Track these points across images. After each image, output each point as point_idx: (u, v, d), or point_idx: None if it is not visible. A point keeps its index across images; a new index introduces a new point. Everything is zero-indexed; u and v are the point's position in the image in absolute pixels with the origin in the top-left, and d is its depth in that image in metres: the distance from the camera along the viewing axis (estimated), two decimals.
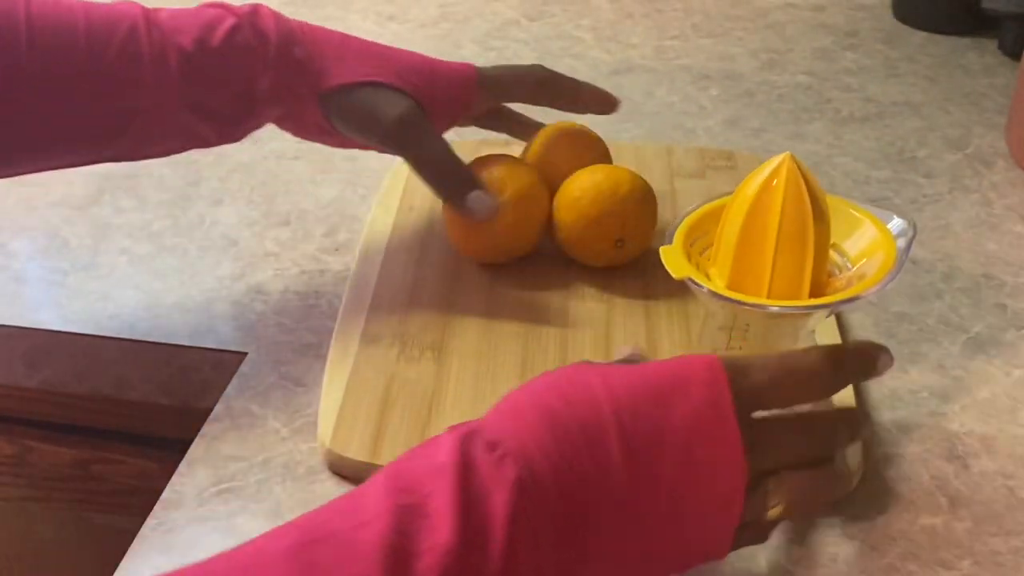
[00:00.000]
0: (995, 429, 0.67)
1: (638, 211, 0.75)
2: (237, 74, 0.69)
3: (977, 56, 1.12)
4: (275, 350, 0.73)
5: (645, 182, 0.76)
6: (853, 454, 0.63)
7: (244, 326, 0.76)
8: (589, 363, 0.49)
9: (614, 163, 0.81)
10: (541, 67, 0.80)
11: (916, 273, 0.80)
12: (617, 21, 1.22)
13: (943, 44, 1.15)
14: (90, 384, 0.75)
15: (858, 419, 0.55)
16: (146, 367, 0.75)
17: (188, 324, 0.77)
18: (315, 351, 0.72)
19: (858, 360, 0.53)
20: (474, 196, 0.72)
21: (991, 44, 1.14)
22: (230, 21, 0.68)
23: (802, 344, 0.61)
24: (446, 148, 0.72)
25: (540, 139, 0.82)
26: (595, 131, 0.83)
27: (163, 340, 0.76)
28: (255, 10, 0.70)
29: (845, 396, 0.67)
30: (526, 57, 1.14)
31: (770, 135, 0.99)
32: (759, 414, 0.49)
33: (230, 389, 0.70)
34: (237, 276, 0.81)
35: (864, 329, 0.74)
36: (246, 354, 0.73)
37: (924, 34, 1.17)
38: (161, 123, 0.68)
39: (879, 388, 0.69)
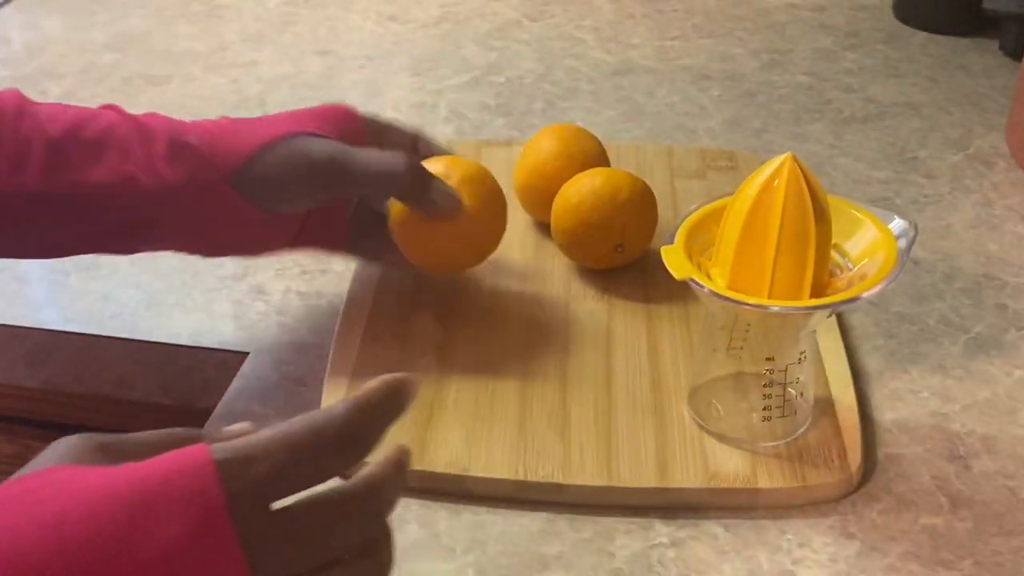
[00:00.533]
0: (996, 429, 0.67)
1: (638, 216, 0.75)
2: (113, 167, 0.62)
3: (978, 57, 1.12)
4: (276, 350, 0.73)
5: (645, 185, 0.76)
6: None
7: (246, 326, 0.76)
8: (36, 478, 0.37)
9: (617, 165, 0.81)
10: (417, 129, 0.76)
11: (917, 273, 0.80)
12: (618, 21, 1.22)
13: (944, 44, 1.15)
14: (91, 384, 0.75)
15: (403, 461, 0.43)
16: (147, 367, 0.75)
17: (189, 324, 0.77)
18: (316, 351, 0.72)
19: (384, 400, 0.42)
20: (435, 188, 0.67)
21: (992, 45, 1.14)
22: (111, 116, 0.64)
23: (803, 344, 0.61)
24: (387, 152, 0.66)
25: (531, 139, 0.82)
26: (595, 132, 0.82)
27: (164, 340, 0.76)
28: (144, 115, 0.66)
29: (846, 399, 0.67)
30: (527, 57, 1.14)
31: (771, 135, 0.99)
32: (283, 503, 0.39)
33: (231, 389, 0.70)
34: (239, 276, 0.81)
35: (865, 329, 0.74)
36: (247, 354, 0.73)
37: (925, 34, 1.17)
38: (14, 210, 0.62)
39: (880, 388, 0.70)
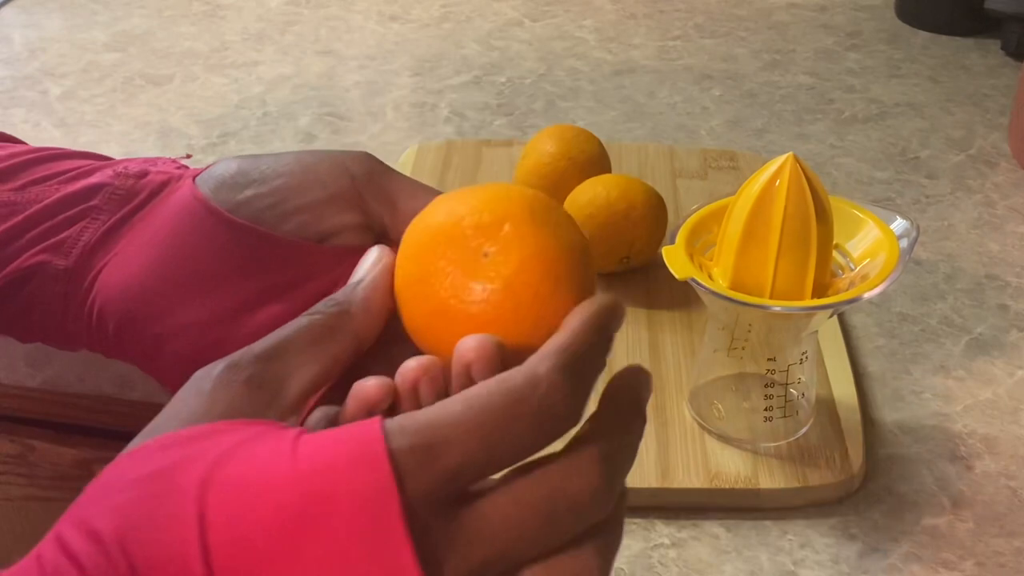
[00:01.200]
0: (998, 430, 0.66)
1: (649, 231, 0.74)
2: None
3: (980, 57, 1.12)
4: None
5: (658, 197, 0.75)
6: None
7: None
8: (200, 444, 0.31)
9: (618, 165, 0.81)
10: None
11: (918, 274, 0.80)
12: (619, 21, 1.22)
13: (946, 45, 1.15)
14: (92, 384, 0.75)
15: (636, 422, 0.34)
16: None
17: None
18: None
19: (594, 344, 0.33)
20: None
21: (994, 45, 1.14)
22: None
23: (804, 345, 0.61)
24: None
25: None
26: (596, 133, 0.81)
27: None
28: None
29: (848, 400, 0.67)
30: (529, 57, 1.14)
31: (773, 136, 0.99)
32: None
33: None
34: None
35: (867, 329, 0.74)
36: None
37: (927, 35, 1.17)
38: None
39: (881, 389, 0.69)
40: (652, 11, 1.24)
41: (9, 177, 0.47)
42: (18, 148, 0.49)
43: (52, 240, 0.45)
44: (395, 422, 0.30)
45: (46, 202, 0.46)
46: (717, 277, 0.60)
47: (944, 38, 1.16)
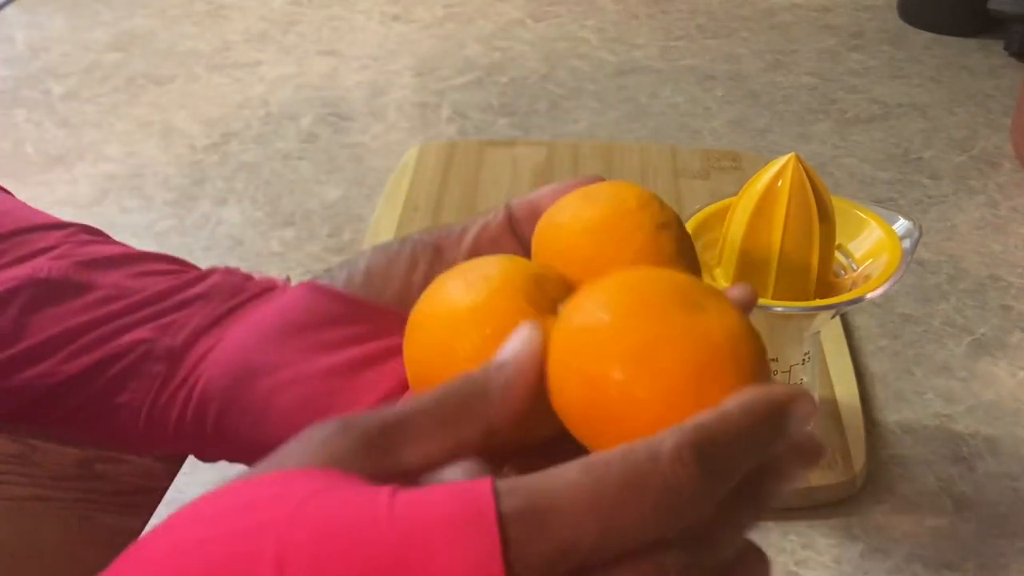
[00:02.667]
0: (1000, 431, 0.66)
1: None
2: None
3: (983, 57, 1.12)
4: None
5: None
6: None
7: None
8: (290, 483, 0.30)
9: (620, 165, 0.81)
10: None
11: (921, 274, 0.80)
12: (622, 22, 1.22)
13: (949, 45, 1.15)
14: None
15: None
16: None
17: None
18: None
19: (752, 431, 0.29)
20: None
21: (997, 45, 1.13)
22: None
23: (807, 345, 0.61)
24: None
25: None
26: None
27: None
28: None
29: (850, 400, 0.66)
30: (531, 57, 1.14)
31: (775, 136, 0.99)
32: None
33: None
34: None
35: (869, 330, 0.74)
36: None
37: (930, 35, 1.17)
38: None
39: (884, 389, 0.69)
40: (655, 11, 1.24)
41: (120, 266, 0.47)
42: (121, 247, 0.49)
43: (161, 321, 0.45)
44: (507, 483, 0.28)
45: (157, 288, 0.46)
46: (719, 278, 0.60)
47: (947, 38, 1.16)
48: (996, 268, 0.81)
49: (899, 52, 1.14)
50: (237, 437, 0.43)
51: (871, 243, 0.60)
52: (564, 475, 0.28)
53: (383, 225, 0.83)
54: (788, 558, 0.58)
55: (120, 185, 0.93)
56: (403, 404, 0.32)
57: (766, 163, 0.59)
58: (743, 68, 1.11)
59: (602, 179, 0.44)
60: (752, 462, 0.30)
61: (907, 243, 0.59)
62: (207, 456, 0.46)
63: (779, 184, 0.57)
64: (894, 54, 1.14)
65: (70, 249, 0.47)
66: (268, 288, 0.47)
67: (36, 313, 0.45)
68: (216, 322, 0.45)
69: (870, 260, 0.60)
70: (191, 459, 0.66)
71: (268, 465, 0.31)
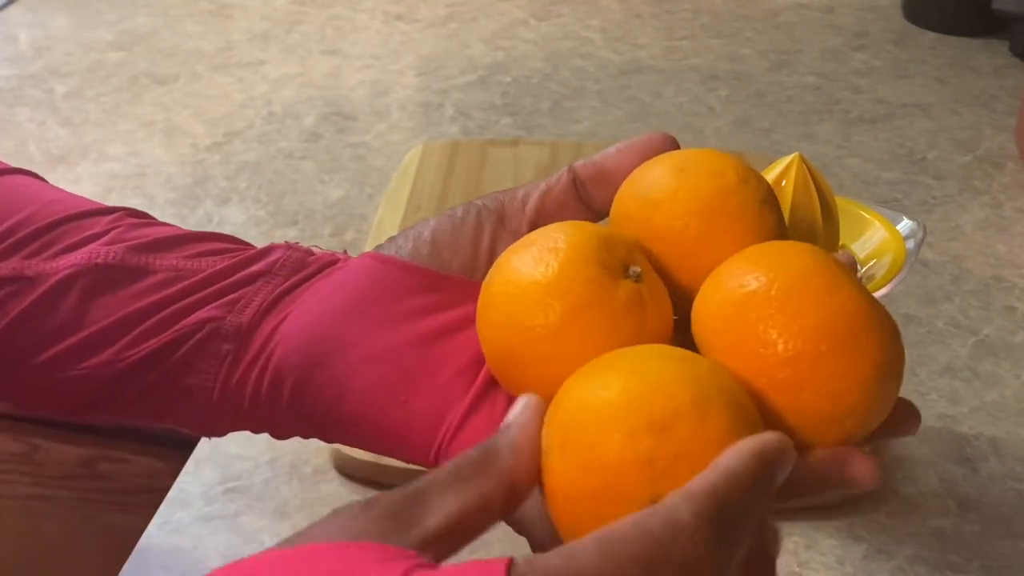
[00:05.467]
0: (1004, 432, 0.66)
1: None
2: None
3: (987, 57, 1.12)
4: None
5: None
6: None
7: None
8: (309, 558, 0.30)
9: None
10: None
11: (925, 275, 0.80)
12: (626, 21, 1.22)
13: (953, 45, 1.15)
14: None
15: None
16: None
17: None
18: None
19: (757, 483, 0.30)
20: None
21: (1002, 45, 1.13)
22: None
23: None
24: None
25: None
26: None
27: None
28: None
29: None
30: (534, 57, 1.14)
31: (779, 136, 0.99)
32: None
33: None
34: None
35: None
36: None
37: (934, 35, 1.17)
38: None
39: None
40: (658, 11, 1.24)
41: (175, 247, 0.46)
42: (172, 227, 0.48)
43: (225, 299, 0.44)
44: (524, 564, 0.29)
45: (217, 268, 0.44)
46: None
47: (951, 39, 1.16)
48: (1000, 269, 0.80)
49: (903, 52, 1.14)
50: (314, 413, 0.42)
51: (875, 243, 0.60)
52: (581, 555, 0.28)
53: (385, 225, 0.83)
54: (791, 559, 0.58)
55: (123, 184, 0.93)
56: (423, 476, 0.33)
57: (770, 163, 0.59)
58: (747, 68, 1.11)
59: (670, 137, 0.43)
60: (756, 521, 0.30)
61: (911, 243, 0.59)
62: (282, 433, 0.45)
63: (783, 184, 0.57)
64: (898, 54, 1.14)
65: (122, 233, 0.46)
66: (331, 262, 0.45)
67: (95, 300, 0.44)
68: (282, 298, 0.44)
69: (874, 260, 0.60)
70: (193, 458, 0.66)
71: (296, 539, 0.31)
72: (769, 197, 0.40)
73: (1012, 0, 1.09)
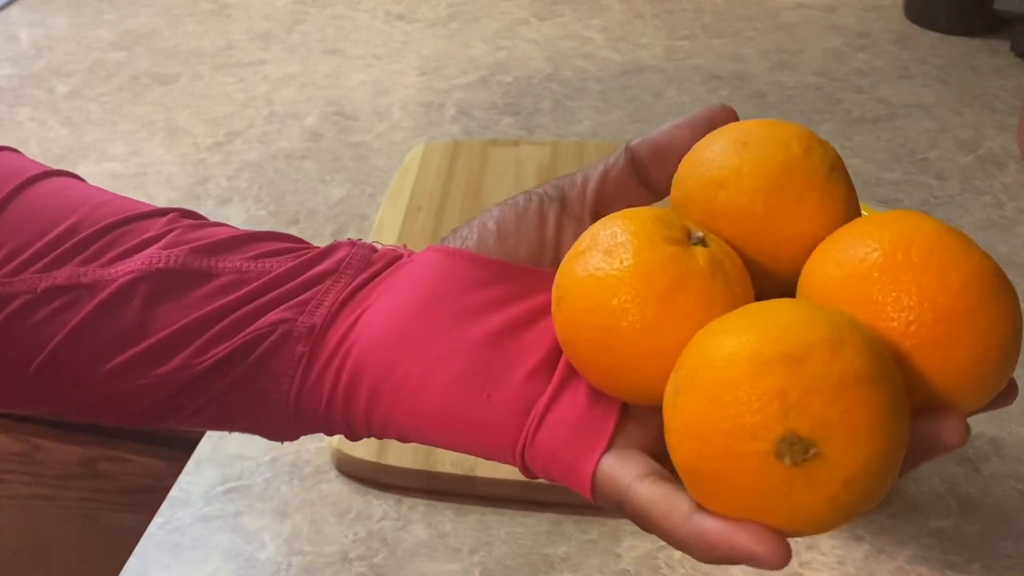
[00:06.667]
0: (1006, 432, 0.66)
1: None
2: None
3: (989, 58, 1.12)
4: None
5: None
6: None
7: None
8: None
9: None
10: None
11: None
12: (627, 21, 1.22)
13: (955, 45, 1.14)
14: None
15: None
16: None
17: None
18: None
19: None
20: None
21: (1003, 46, 1.13)
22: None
23: None
24: None
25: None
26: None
27: None
28: None
29: None
30: (536, 57, 1.14)
31: None
32: None
33: None
34: None
35: None
36: None
37: (936, 35, 1.17)
38: None
39: None
40: (660, 11, 1.24)
41: (237, 248, 0.45)
42: (229, 228, 0.47)
43: (295, 300, 0.43)
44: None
45: (283, 268, 0.44)
46: None
47: (953, 39, 1.16)
48: (1002, 269, 0.80)
49: (905, 52, 1.14)
50: (392, 413, 0.41)
51: None
52: None
53: (387, 224, 0.83)
54: (792, 559, 0.58)
55: (124, 184, 0.93)
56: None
57: None
58: (748, 68, 1.11)
59: (729, 108, 0.42)
60: None
61: None
62: (358, 434, 0.44)
63: None
64: (900, 54, 1.13)
65: (179, 235, 0.45)
66: (395, 257, 0.45)
67: (159, 306, 0.43)
68: (352, 296, 0.43)
69: None
70: (194, 458, 0.66)
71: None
72: (837, 164, 0.39)
73: (1014, 0, 1.08)
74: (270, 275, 0.43)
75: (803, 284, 0.37)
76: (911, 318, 0.33)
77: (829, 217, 0.38)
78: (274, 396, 0.42)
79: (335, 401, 0.42)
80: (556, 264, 0.41)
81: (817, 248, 0.37)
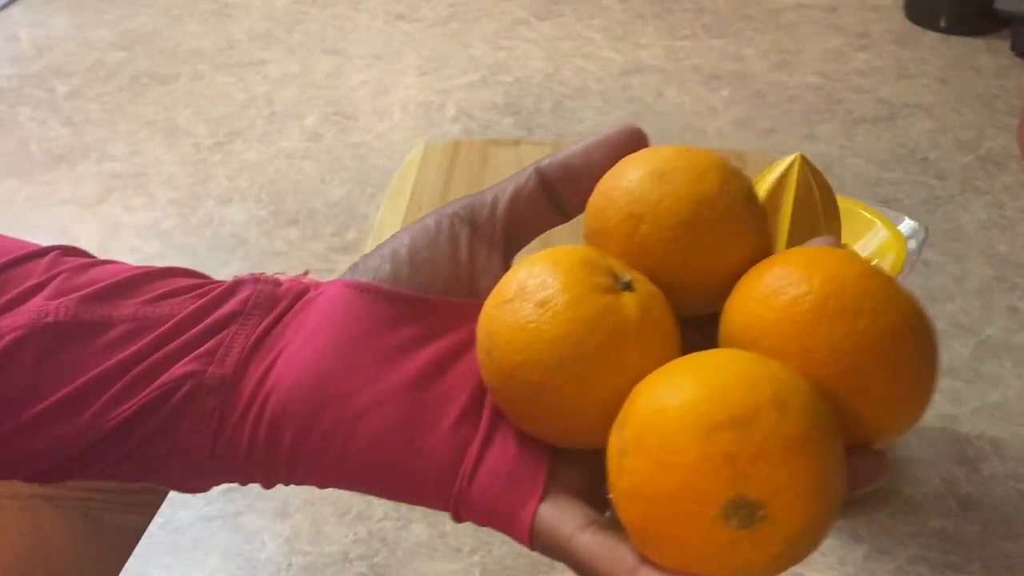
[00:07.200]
0: (1006, 432, 0.66)
1: None
2: None
3: (990, 57, 1.12)
4: None
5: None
6: None
7: None
8: None
9: None
10: None
11: (927, 275, 0.80)
12: (627, 21, 1.22)
13: (955, 45, 1.15)
14: None
15: None
16: None
17: None
18: None
19: None
20: None
21: (1004, 45, 1.13)
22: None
23: None
24: None
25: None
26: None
27: None
28: None
29: None
30: (536, 57, 1.13)
31: (781, 136, 0.99)
32: None
33: None
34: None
35: None
36: None
37: (936, 35, 1.17)
38: None
39: None
40: (660, 11, 1.24)
41: (131, 292, 0.41)
42: (119, 266, 0.44)
43: (201, 349, 0.40)
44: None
45: (184, 313, 0.41)
46: None
47: (953, 38, 1.16)
48: (1002, 269, 0.80)
49: (905, 52, 1.14)
50: (317, 465, 0.40)
51: (877, 243, 0.60)
52: None
53: (387, 225, 0.83)
54: None
55: (124, 184, 0.93)
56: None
57: (772, 163, 0.59)
58: (749, 68, 1.11)
59: (638, 131, 0.42)
60: None
61: (913, 243, 0.59)
62: (277, 483, 0.41)
63: (785, 184, 0.57)
64: (900, 54, 1.13)
65: (66, 281, 0.41)
66: (303, 291, 0.42)
67: (54, 363, 0.40)
68: (263, 339, 0.40)
69: (876, 260, 0.60)
70: None
71: None
72: (751, 195, 0.39)
73: (1014, 0, 1.08)
74: (171, 321, 0.40)
75: (731, 324, 0.36)
76: (847, 364, 0.34)
77: (749, 249, 0.38)
78: (190, 450, 0.40)
79: (254, 453, 0.40)
80: (471, 291, 0.40)
81: (740, 284, 0.37)
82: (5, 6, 1.28)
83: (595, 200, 0.39)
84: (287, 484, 0.41)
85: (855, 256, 0.36)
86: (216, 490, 0.63)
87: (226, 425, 0.39)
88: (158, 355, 0.40)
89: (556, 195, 0.42)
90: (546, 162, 0.42)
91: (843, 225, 0.59)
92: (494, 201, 0.42)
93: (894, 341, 0.34)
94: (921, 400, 0.35)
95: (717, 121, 1.01)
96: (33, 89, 1.09)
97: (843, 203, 0.59)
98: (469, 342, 0.39)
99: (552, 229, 0.42)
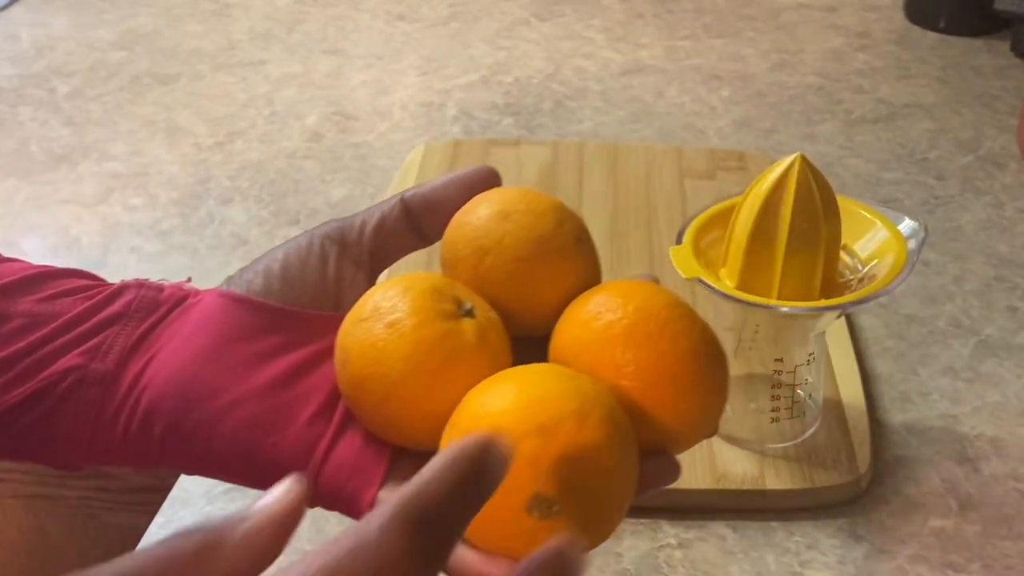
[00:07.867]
0: (1006, 432, 0.66)
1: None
2: None
3: (989, 57, 1.12)
4: None
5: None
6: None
7: None
8: None
9: (625, 165, 0.81)
10: None
11: (927, 275, 0.80)
12: (627, 21, 1.22)
13: (955, 45, 1.15)
14: None
15: None
16: None
17: None
18: None
19: (452, 494, 0.29)
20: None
21: (1003, 45, 1.13)
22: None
23: (812, 346, 0.61)
24: None
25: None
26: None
27: None
28: None
29: (855, 401, 0.66)
30: (536, 57, 1.14)
31: (781, 136, 0.99)
32: None
33: None
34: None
35: (874, 331, 0.74)
36: None
37: (936, 35, 1.17)
38: None
39: (889, 390, 0.69)
40: (660, 11, 1.24)
41: (28, 290, 0.46)
42: (20, 264, 0.48)
43: (85, 345, 0.45)
44: None
45: (73, 312, 0.45)
46: (724, 277, 0.60)
47: (953, 39, 1.16)
48: (1002, 269, 0.80)
49: (905, 52, 1.14)
50: (186, 455, 0.44)
51: (877, 243, 0.60)
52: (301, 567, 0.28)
53: None
54: (792, 559, 0.58)
55: (125, 184, 0.93)
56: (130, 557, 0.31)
57: (772, 163, 0.59)
58: (749, 68, 1.11)
59: (492, 170, 0.47)
60: (467, 516, 0.30)
61: (913, 243, 0.59)
62: (149, 469, 0.46)
63: (785, 184, 0.57)
64: (900, 54, 1.14)
65: None
66: (182, 299, 0.47)
67: None
68: (142, 340, 0.45)
69: (876, 260, 0.60)
70: None
71: None
72: (582, 234, 0.45)
73: (1014, 0, 1.09)
74: (61, 319, 0.45)
75: (558, 342, 0.43)
76: (649, 379, 0.40)
77: (577, 280, 0.44)
78: (71, 435, 0.44)
79: (128, 441, 0.44)
80: (337, 305, 0.45)
81: (567, 309, 0.43)
82: (5, 6, 1.28)
83: (449, 233, 0.46)
84: (156, 470, 0.46)
85: (663, 290, 0.43)
86: (217, 490, 0.63)
87: (104, 415, 0.44)
88: (47, 348, 0.45)
89: (418, 223, 0.47)
90: (410, 193, 0.47)
91: (843, 225, 0.59)
92: (362, 225, 0.47)
93: (689, 362, 0.41)
94: (712, 414, 0.42)
95: (717, 121, 1.01)
96: (34, 89, 1.09)
97: (843, 203, 0.59)
98: (329, 351, 0.44)
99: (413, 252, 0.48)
